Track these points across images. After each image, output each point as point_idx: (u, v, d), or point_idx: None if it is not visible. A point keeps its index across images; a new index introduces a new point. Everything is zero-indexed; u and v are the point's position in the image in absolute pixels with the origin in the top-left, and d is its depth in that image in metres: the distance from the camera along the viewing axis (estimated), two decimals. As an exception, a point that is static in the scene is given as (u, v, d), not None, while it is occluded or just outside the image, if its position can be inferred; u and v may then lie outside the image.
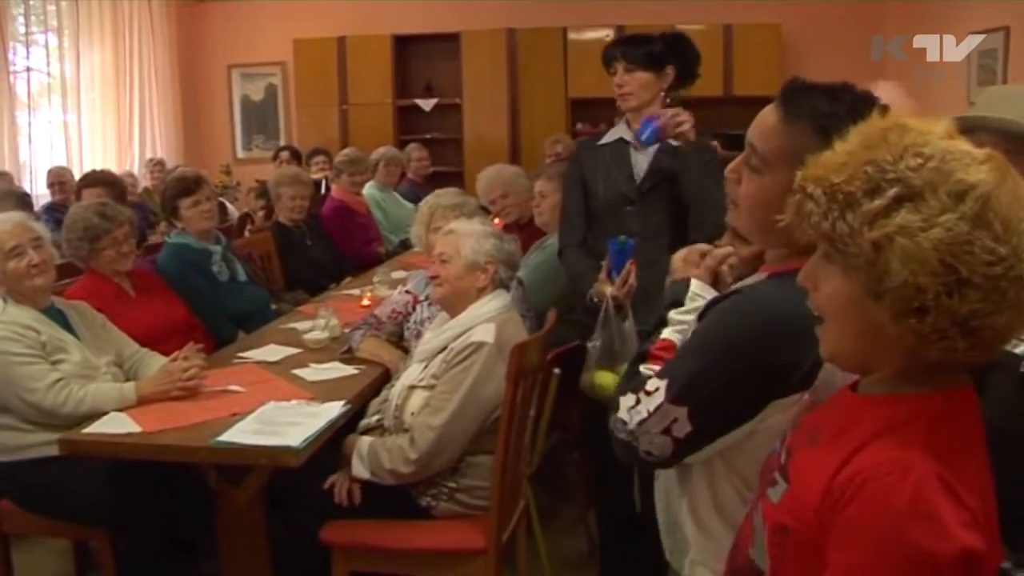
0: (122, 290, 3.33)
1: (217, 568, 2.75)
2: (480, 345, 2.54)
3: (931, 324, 0.96)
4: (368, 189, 6.14)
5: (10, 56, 6.93)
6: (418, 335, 3.03)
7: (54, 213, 5.40)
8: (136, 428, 2.54)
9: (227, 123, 9.30)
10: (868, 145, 1.02)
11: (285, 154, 7.32)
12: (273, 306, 4.14)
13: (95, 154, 7.82)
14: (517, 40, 8.35)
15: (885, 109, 1.24)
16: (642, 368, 1.47)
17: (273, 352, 3.26)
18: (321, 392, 2.79)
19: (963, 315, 0.95)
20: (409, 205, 5.96)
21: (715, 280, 1.59)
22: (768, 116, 1.38)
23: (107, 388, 2.73)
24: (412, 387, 2.63)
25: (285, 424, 2.50)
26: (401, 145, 7.54)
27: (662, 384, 1.37)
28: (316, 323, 3.41)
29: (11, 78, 6.94)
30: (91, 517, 2.70)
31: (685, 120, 2.72)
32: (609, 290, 2.53)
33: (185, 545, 2.81)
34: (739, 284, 1.50)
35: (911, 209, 0.97)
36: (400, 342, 3.20)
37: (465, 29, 8.37)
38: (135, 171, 7.81)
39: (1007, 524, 1.06)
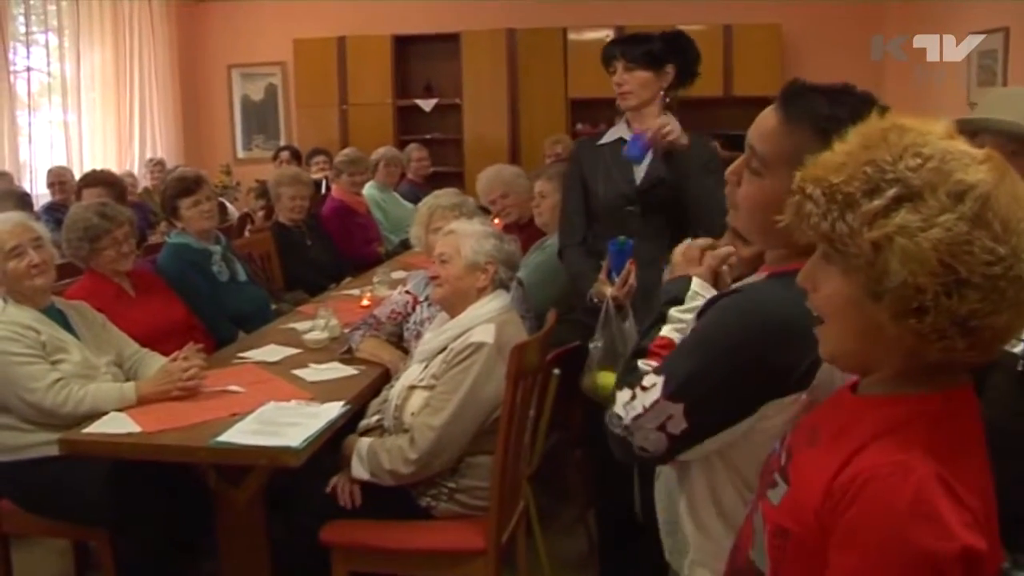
0: (122, 290, 3.33)
1: (217, 568, 2.75)
2: (480, 345, 2.54)
3: (930, 324, 0.96)
4: (368, 189, 6.14)
5: (10, 56, 6.93)
6: (418, 335, 3.03)
7: (54, 213, 5.40)
8: (136, 428, 2.54)
9: (227, 123, 9.30)
10: (867, 145, 1.02)
11: (285, 154, 7.32)
12: (273, 306, 4.14)
13: (95, 154, 7.82)
14: (517, 40, 8.35)
15: (885, 109, 1.24)
16: (640, 364, 1.47)
17: (273, 352, 3.26)
18: (321, 392, 2.79)
19: (962, 315, 0.95)
20: (409, 205, 5.96)
21: (716, 279, 1.60)
22: (768, 118, 1.38)
23: (107, 388, 2.73)
24: (412, 387, 2.63)
25: (285, 424, 2.50)
26: (401, 145, 7.54)
27: (659, 380, 1.37)
28: (316, 323, 3.41)
29: (11, 78, 6.94)
30: (91, 517, 2.70)
31: (671, 128, 2.69)
32: (609, 290, 2.53)
33: (185, 545, 2.81)
34: (739, 284, 1.50)
35: (910, 209, 0.97)
36: (400, 342, 3.20)
37: (465, 29, 8.37)
38: (135, 171, 7.81)
39: (1007, 524, 1.06)
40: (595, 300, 2.64)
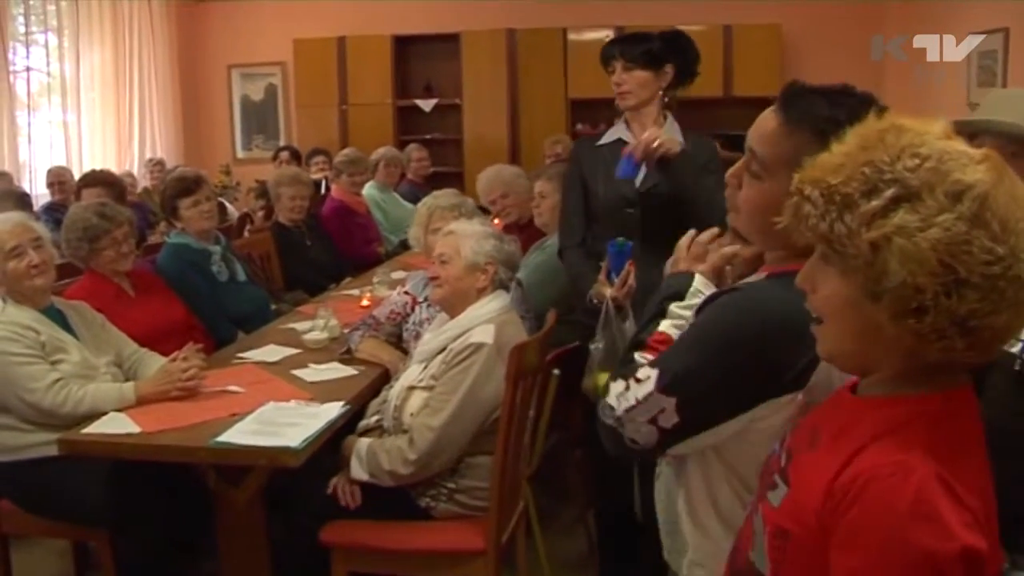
0: (122, 290, 3.33)
1: (216, 568, 2.75)
2: (479, 346, 2.54)
3: (930, 324, 0.96)
4: (368, 189, 6.14)
5: (10, 56, 6.93)
6: (417, 336, 3.03)
7: (54, 213, 5.40)
8: (135, 428, 2.54)
9: (227, 123, 9.30)
10: (865, 146, 1.02)
11: (285, 154, 7.31)
12: (272, 306, 4.14)
13: (95, 154, 7.82)
14: (517, 40, 8.34)
15: (884, 110, 1.24)
16: (636, 356, 1.48)
17: (272, 352, 3.26)
18: (320, 393, 2.79)
19: (962, 315, 0.95)
20: (409, 205, 5.96)
21: (719, 277, 1.60)
22: (768, 121, 1.38)
23: (106, 388, 2.73)
24: (411, 388, 2.63)
25: (284, 425, 2.50)
26: (401, 145, 7.54)
27: (653, 373, 1.37)
28: (315, 323, 3.41)
29: (11, 78, 6.94)
30: (90, 517, 2.70)
31: (659, 141, 2.66)
32: (608, 292, 2.53)
33: (184, 545, 2.81)
34: (739, 283, 1.50)
35: (909, 209, 0.97)
36: (399, 343, 3.20)
37: (465, 29, 8.36)
38: (135, 171, 7.81)
39: (1006, 524, 1.06)
40: (595, 301, 2.64)
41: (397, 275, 4.41)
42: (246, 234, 5.51)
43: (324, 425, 2.50)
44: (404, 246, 5.57)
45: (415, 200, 4.71)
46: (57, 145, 7.57)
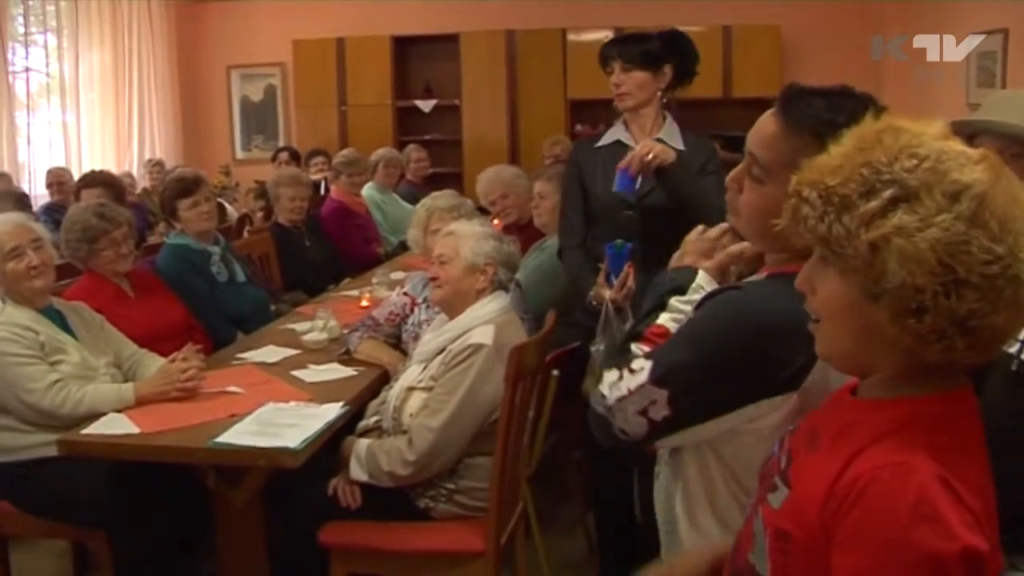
0: (121, 291, 3.32)
1: (215, 569, 2.76)
2: (478, 347, 2.54)
3: (929, 324, 0.96)
4: (367, 190, 6.14)
5: (9, 56, 6.93)
6: (416, 337, 3.03)
7: (53, 214, 5.39)
8: (135, 429, 2.54)
9: (226, 124, 9.30)
10: (863, 147, 1.02)
11: (284, 155, 7.31)
12: (272, 307, 4.14)
13: (94, 154, 7.82)
14: (516, 41, 8.34)
15: (884, 110, 1.24)
16: (633, 347, 1.48)
17: (272, 353, 3.26)
18: (319, 393, 2.79)
19: (961, 315, 0.95)
20: (408, 206, 5.95)
21: (723, 275, 1.60)
22: (767, 124, 1.38)
23: (105, 389, 2.73)
24: (411, 388, 2.63)
25: (283, 425, 2.50)
26: (400, 146, 7.53)
27: (647, 365, 1.37)
28: (315, 324, 3.41)
29: (10, 78, 6.94)
30: (89, 518, 2.69)
31: (654, 152, 2.65)
32: (608, 293, 2.53)
33: (183, 546, 2.80)
34: (740, 281, 1.51)
35: (907, 210, 0.97)
36: (398, 344, 3.20)
37: (464, 30, 8.36)
38: (134, 172, 7.81)
39: (1004, 525, 1.06)
40: (594, 303, 2.64)
41: (396, 276, 4.41)
42: (245, 235, 5.51)
43: (323, 426, 2.50)
44: (403, 247, 5.56)
45: (414, 201, 4.70)
46: (56, 146, 7.57)
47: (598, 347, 2.49)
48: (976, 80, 6.09)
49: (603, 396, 1.42)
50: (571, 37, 8.15)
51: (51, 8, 7.47)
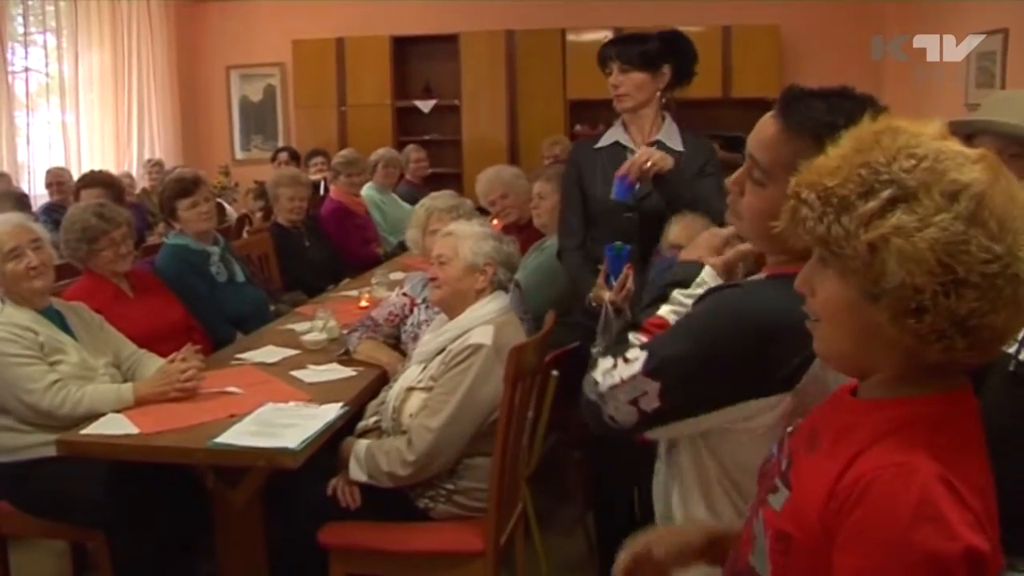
0: (120, 291, 3.32)
1: (214, 569, 2.75)
2: (478, 347, 2.54)
3: (929, 324, 0.96)
4: (367, 190, 6.14)
5: (9, 56, 6.93)
6: (415, 338, 3.03)
7: (52, 214, 5.40)
8: (134, 429, 2.53)
9: (225, 124, 9.30)
10: (861, 148, 1.02)
11: (283, 155, 7.31)
12: (271, 307, 4.14)
13: (93, 155, 7.82)
14: (516, 41, 8.34)
15: (883, 111, 1.24)
16: (631, 336, 1.48)
17: (271, 353, 3.26)
18: (319, 394, 2.79)
19: (961, 315, 0.95)
20: (407, 206, 5.95)
21: (729, 274, 1.61)
22: (767, 127, 1.38)
23: (105, 389, 2.73)
24: (410, 389, 2.63)
25: (283, 426, 2.50)
26: (400, 146, 7.53)
27: (642, 356, 1.38)
28: (314, 324, 3.41)
29: (9, 78, 6.94)
30: (88, 518, 2.69)
31: (652, 160, 2.65)
32: (607, 295, 2.53)
33: (182, 546, 2.80)
34: (740, 280, 1.51)
35: (906, 210, 0.97)
36: (397, 344, 3.20)
37: (464, 30, 8.36)
38: (133, 172, 7.81)
39: (1002, 525, 1.06)
40: (594, 304, 2.64)
41: (396, 276, 4.41)
42: (245, 235, 5.51)
43: (322, 426, 2.50)
44: (403, 247, 5.56)
45: (414, 201, 4.71)
46: (56, 146, 7.58)
47: (598, 349, 2.49)
48: (975, 80, 6.09)
49: (596, 383, 1.43)
50: (571, 37, 8.15)
51: (50, 8, 7.47)
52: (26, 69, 7.28)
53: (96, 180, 5.08)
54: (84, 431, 2.55)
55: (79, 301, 3.05)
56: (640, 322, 1.52)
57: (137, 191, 7.04)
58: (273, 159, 7.40)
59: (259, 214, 6.36)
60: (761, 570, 1.12)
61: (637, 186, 2.70)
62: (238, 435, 2.45)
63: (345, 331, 3.31)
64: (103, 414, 2.63)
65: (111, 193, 4.69)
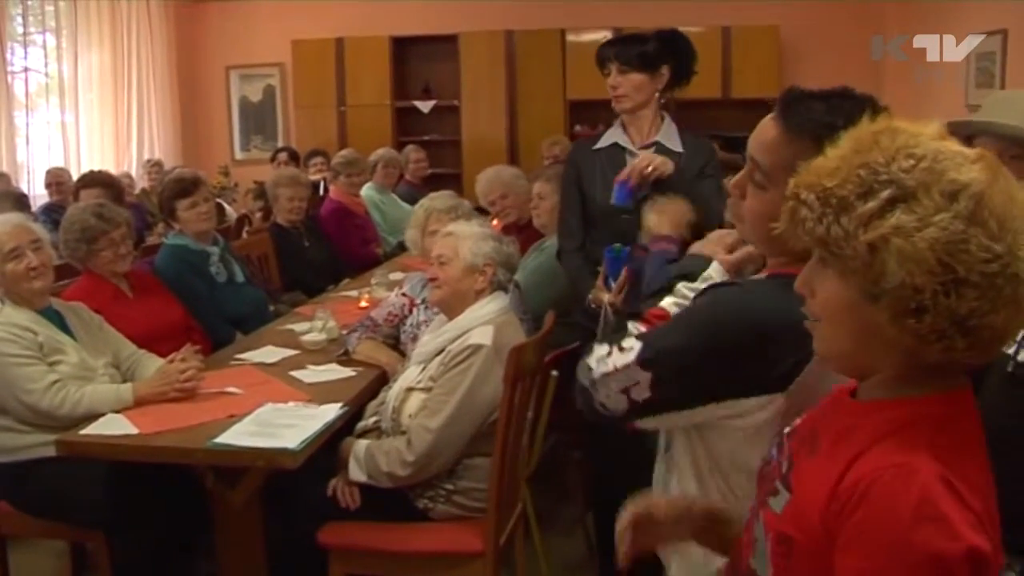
0: (120, 291, 3.32)
1: (214, 569, 2.75)
2: (478, 347, 2.54)
3: (929, 324, 0.96)
4: (366, 191, 6.14)
5: (8, 56, 6.93)
6: (414, 338, 3.03)
7: (52, 214, 5.39)
8: (133, 430, 2.53)
9: (225, 124, 9.30)
10: (859, 149, 1.02)
11: (283, 155, 7.31)
12: (271, 307, 4.13)
13: (93, 155, 7.82)
14: (515, 42, 8.34)
15: (882, 111, 1.24)
16: (630, 325, 1.49)
17: (270, 354, 3.26)
18: (318, 394, 2.79)
19: (961, 314, 0.95)
20: (407, 207, 5.95)
21: (737, 272, 1.61)
22: (768, 129, 1.38)
23: (104, 389, 2.73)
24: (410, 389, 2.63)
25: (282, 426, 2.50)
26: (399, 147, 7.53)
27: (637, 346, 1.39)
28: (314, 325, 3.41)
29: (9, 78, 6.95)
30: (88, 518, 2.69)
31: (653, 165, 2.64)
32: (606, 297, 2.53)
33: (182, 546, 2.80)
34: (741, 279, 1.52)
35: (905, 210, 0.97)
36: (396, 345, 3.20)
37: (463, 31, 8.36)
38: (133, 172, 7.81)
39: (1001, 525, 1.06)
40: (593, 306, 2.64)
41: (395, 276, 4.41)
42: (244, 235, 5.50)
43: (322, 427, 2.50)
44: (402, 247, 5.56)
45: (413, 201, 4.71)
46: (55, 146, 7.58)
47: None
48: (975, 81, 6.09)
49: (589, 369, 1.43)
50: (570, 38, 8.15)
51: (50, 8, 7.47)
52: (26, 69, 7.28)
53: (95, 180, 5.07)
54: (83, 431, 2.55)
55: (78, 301, 3.05)
56: (642, 312, 1.53)
57: (136, 191, 7.04)
58: (272, 159, 7.40)
59: (259, 214, 6.35)
60: (763, 573, 1.12)
61: (637, 189, 2.70)
62: (237, 435, 2.45)
63: (344, 331, 3.31)
64: (102, 414, 2.63)
65: (110, 193, 4.69)
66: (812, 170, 1.04)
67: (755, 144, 1.39)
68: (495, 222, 4.27)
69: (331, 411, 2.61)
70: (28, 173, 7.12)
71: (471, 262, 2.70)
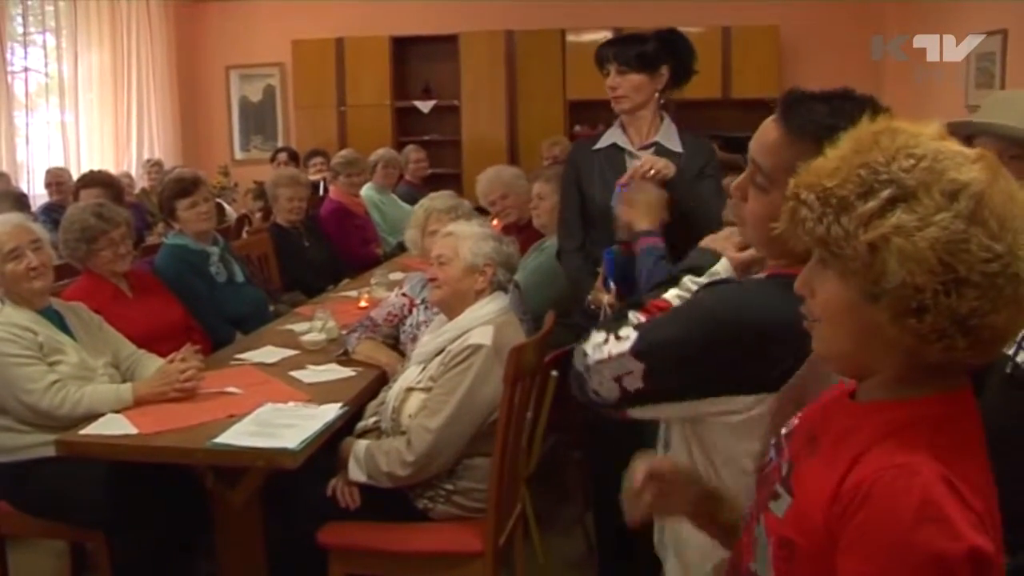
0: (119, 291, 3.32)
1: (214, 569, 2.76)
2: (477, 348, 2.54)
3: (930, 324, 0.96)
4: (366, 191, 6.14)
5: (8, 56, 6.94)
6: (414, 338, 3.03)
7: (51, 214, 5.39)
8: (133, 430, 2.53)
9: (225, 124, 9.30)
10: (859, 149, 1.02)
11: (283, 155, 7.31)
12: (271, 307, 4.13)
13: (93, 155, 7.82)
14: (515, 42, 8.34)
15: (882, 111, 1.24)
16: (630, 314, 1.49)
17: (270, 354, 3.26)
18: (318, 394, 2.79)
19: (962, 314, 0.95)
20: (407, 207, 5.95)
21: (745, 270, 1.61)
22: (769, 131, 1.38)
23: (104, 389, 2.73)
24: (409, 389, 2.63)
25: (282, 426, 2.50)
26: (399, 147, 7.53)
27: (633, 335, 1.39)
28: (313, 325, 3.41)
29: (9, 78, 6.95)
30: (87, 518, 2.69)
31: (654, 168, 2.64)
32: (606, 298, 2.53)
33: (182, 546, 2.80)
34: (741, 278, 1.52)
35: (905, 209, 0.97)
36: (396, 345, 3.19)
37: (463, 31, 8.36)
38: (133, 172, 7.81)
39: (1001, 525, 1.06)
40: (592, 307, 2.63)
41: (395, 276, 4.41)
42: (244, 235, 5.50)
43: (322, 427, 2.50)
44: (402, 247, 5.55)
45: (413, 201, 4.70)
46: (55, 146, 7.58)
47: None
48: (975, 81, 6.09)
49: (585, 354, 1.44)
50: (570, 38, 8.15)
51: (50, 8, 7.47)
52: (25, 69, 7.28)
53: (95, 180, 5.08)
54: (83, 431, 2.55)
55: (78, 301, 3.05)
56: (643, 302, 1.53)
57: (136, 191, 7.04)
58: (272, 159, 7.40)
59: (258, 214, 6.36)
60: (763, 576, 1.12)
61: None
62: (237, 435, 2.45)
63: (344, 331, 3.31)
64: (102, 414, 2.63)
65: (110, 193, 4.69)
66: (812, 170, 1.04)
67: (756, 146, 1.39)
68: (495, 222, 4.27)
69: (331, 411, 2.61)
70: (28, 173, 7.13)
71: (471, 262, 2.70)
